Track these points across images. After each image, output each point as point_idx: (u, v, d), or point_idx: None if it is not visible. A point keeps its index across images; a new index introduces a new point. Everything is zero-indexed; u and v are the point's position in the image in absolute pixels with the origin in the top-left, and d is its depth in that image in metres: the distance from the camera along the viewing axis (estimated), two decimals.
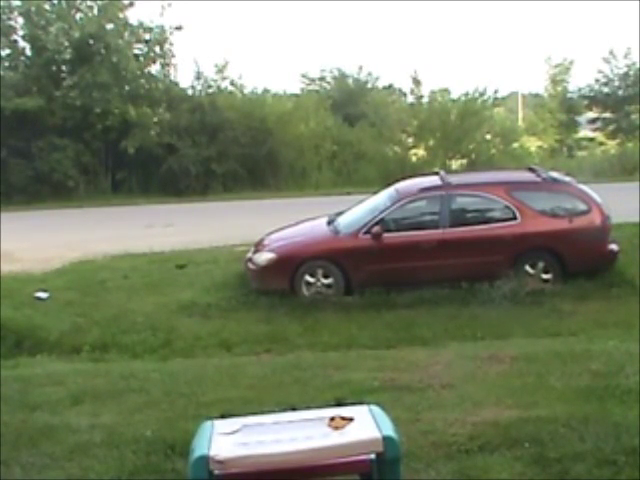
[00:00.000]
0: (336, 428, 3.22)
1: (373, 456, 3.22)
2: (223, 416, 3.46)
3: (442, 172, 10.87)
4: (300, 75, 28.44)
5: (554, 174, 10.44)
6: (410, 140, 24.61)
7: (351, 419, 3.28)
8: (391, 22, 62.98)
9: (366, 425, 3.24)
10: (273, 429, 3.29)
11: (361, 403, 3.55)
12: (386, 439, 3.14)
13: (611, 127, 26.93)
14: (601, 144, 27.16)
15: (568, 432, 4.48)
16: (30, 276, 11.19)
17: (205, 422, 3.39)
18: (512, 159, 22.73)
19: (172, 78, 23.62)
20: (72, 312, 9.40)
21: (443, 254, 9.46)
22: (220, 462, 3.05)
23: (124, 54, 21.83)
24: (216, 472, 3.04)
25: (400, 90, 29.03)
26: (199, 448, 3.12)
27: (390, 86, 29.57)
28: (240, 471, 3.09)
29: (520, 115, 31.61)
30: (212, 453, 3.08)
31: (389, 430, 3.19)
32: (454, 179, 10.38)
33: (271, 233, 10.64)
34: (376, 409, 3.40)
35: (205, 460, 3.03)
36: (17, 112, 20.53)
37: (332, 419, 3.28)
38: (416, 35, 62.79)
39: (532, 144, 27.11)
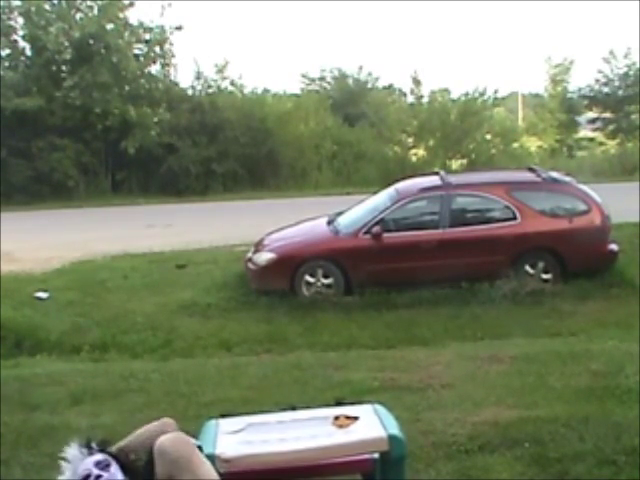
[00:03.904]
0: (340, 427, 3.22)
1: (376, 455, 3.22)
2: (223, 416, 3.46)
3: (442, 172, 10.88)
4: (300, 75, 28.56)
5: (554, 174, 10.44)
6: (410, 140, 24.60)
7: (356, 418, 3.28)
8: (391, 22, 63.00)
9: (371, 424, 3.25)
10: (278, 428, 3.29)
11: (361, 403, 3.55)
12: (391, 438, 3.14)
13: (611, 127, 26.93)
14: (601, 144, 27.15)
15: (568, 432, 4.48)
16: (30, 276, 11.19)
17: (209, 421, 3.39)
18: (512, 159, 22.72)
19: (172, 78, 23.67)
20: (72, 312, 9.40)
21: (443, 254, 9.46)
22: (226, 461, 3.06)
23: (124, 54, 21.83)
24: (221, 470, 3.04)
25: (400, 90, 29.14)
26: (205, 447, 3.12)
27: (390, 86, 29.67)
28: (245, 469, 3.10)
29: (520, 115, 31.59)
30: (218, 452, 3.08)
31: (394, 429, 3.20)
32: (454, 179, 10.38)
33: (271, 233, 10.64)
34: (380, 408, 3.40)
35: (211, 459, 3.03)
36: (17, 112, 20.53)
37: (337, 418, 3.28)
38: (416, 35, 62.83)
39: (532, 144, 27.10)
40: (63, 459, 2.82)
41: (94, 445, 2.86)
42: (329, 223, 10.34)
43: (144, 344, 8.35)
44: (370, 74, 28.32)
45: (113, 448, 2.92)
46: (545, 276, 9.54)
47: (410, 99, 26.58)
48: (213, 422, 3.38)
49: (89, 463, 2.78)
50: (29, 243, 13.61)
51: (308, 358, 6.93)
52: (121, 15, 22.31)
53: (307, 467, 3.17)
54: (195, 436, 3.11)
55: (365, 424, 3.24)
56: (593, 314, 8.68)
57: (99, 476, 2.71)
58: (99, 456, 2.81)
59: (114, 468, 2.76)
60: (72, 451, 2.83)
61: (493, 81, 64.11)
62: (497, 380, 5.71)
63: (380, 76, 28.83)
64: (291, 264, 9.61)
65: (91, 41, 21.59)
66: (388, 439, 3.13)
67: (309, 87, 28.35)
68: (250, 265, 10.00)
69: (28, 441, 4.83)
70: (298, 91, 27.56)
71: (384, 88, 29.18)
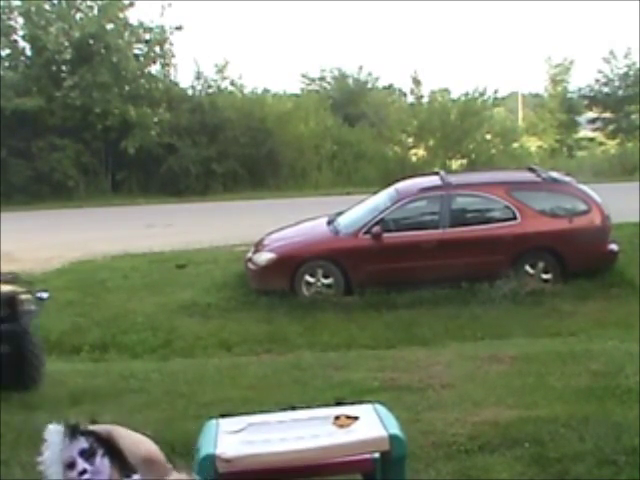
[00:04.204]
0: (341, 427, 3.21)
1: (377, 455, 3.22)
2: (223, 416, 3.46)
3: (442, 172, 10.89)
4: (300, 75, 28.47)
5: (554, 174, 10.45)
6: (410, 140, 24.58)
7: (356, 418, 3.27)
8: (391, 22, 62.86)
9: (372, 424, 3.24)
10: (278, 428, 3.28)
11: (361, 403, 3.55)
12: (392, 437, 3.14)
13: (611, 127, 26.89)
14: (601, 144, 27.11)
15: (568, 432, 4.48)
16: (30, 276, 11.17)
17: (210, 420, 3.39)
18: (512, 159, 22.72)
19: (172, 78, 23.63)
20: (72, 312, 9.41)
21: (443, 254, 9.46)
22: (227, 461, 3.05)
23: (124, 54, 21.82)
24: (222, 470, 3.03)
25: (400, 90, 29.06)
26: (205, 447, 3.11)
27: (390, 86, 29.59)
28: (246, 469, 3.09)
29: (520, 115, 31.55)
30: (219, 452, 3.07)
31: (395, 428, 3.19)
32: (454, 179, 10.39)
33: (271, 233, 10.64)
34: (381, 408, 3.40)
35: (212, 459, 3.03)
36: (17, 112, 20.52)
37: (337, 418, 3.27)
38: (416, 35, 62.66)
39: (532, 144, 27.07)
40: (44, 437, 2.71)
41: (80, 428, 2.75)
42: (329, 223, 10.34)
43: (144, 344, 8.36)
44: (370, 74, 28.27)
45: (100, 428, 2.82)
46: (545, 276, 9.54)
47: (410, 99, 26.59)
48: (213, 422, 3.37)
49: (74, 450, 2.67)
50: (29, 243, 13.60)
51: (308, 358, 6.94)
52: (121, 15, 22.29)
53: (308, 467, 3.17)
54: (192, 467, 3.08)
55: (365, 424, 3.24)
56: (593, 314, 8.68)
57: (84, 471, 2.63)
58: (84, 442, 2.70)
59: (99, 459, 2.66)
60: (55, 430, 2.73)
61: (493, 81, 63.93)
62: (497, 380, 5.72)
63: (380, 76, 28.77)
64: (291, 264, 9.61)
65: (91, 41, 21.59)
66: (389, 439, 3.13)
67: (309, 87, 28.31)
68: (250, 265, 10.00)
69: (28, 441, 4.82)
70: (298, 91, 27.55)
71: (384, 88, 29.13)
